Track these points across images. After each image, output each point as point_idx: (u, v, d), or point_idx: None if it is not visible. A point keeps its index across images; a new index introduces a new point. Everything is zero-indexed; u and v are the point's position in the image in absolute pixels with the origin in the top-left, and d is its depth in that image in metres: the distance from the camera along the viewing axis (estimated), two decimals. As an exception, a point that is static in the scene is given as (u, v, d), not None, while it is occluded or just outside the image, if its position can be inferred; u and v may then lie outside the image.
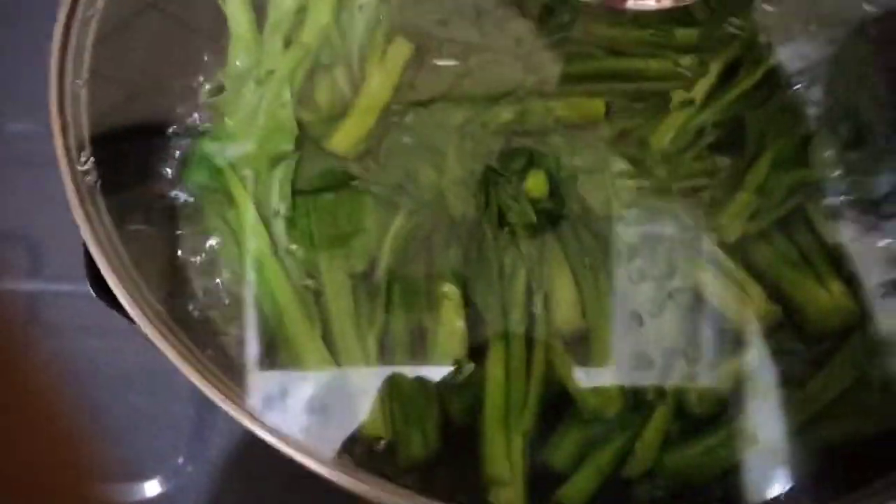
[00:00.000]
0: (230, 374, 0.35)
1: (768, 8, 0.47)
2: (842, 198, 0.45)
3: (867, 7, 0.47)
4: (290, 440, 0.33)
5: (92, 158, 0.37)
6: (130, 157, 0.44)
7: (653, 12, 0.48)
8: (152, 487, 0.51)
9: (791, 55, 0.47)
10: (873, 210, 0.45)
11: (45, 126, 0.39)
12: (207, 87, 0.46)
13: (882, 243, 0.44)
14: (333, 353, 0.39)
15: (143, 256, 0.41)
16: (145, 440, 0.52)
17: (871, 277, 0.42)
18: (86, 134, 0.38)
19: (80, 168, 0.36)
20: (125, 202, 0.42)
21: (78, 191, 0.36)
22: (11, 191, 0.60)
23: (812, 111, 0.47)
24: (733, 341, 0.40)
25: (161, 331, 0.34)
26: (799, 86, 0.47)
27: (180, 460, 0.52)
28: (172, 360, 0.33)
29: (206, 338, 0.39)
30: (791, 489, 0.37)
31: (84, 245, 0.36)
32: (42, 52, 0.41)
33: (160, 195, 0.43)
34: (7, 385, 0.52)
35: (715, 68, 0.47)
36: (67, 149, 0.36)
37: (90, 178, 0.37)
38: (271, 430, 0.33)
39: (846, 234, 0.44)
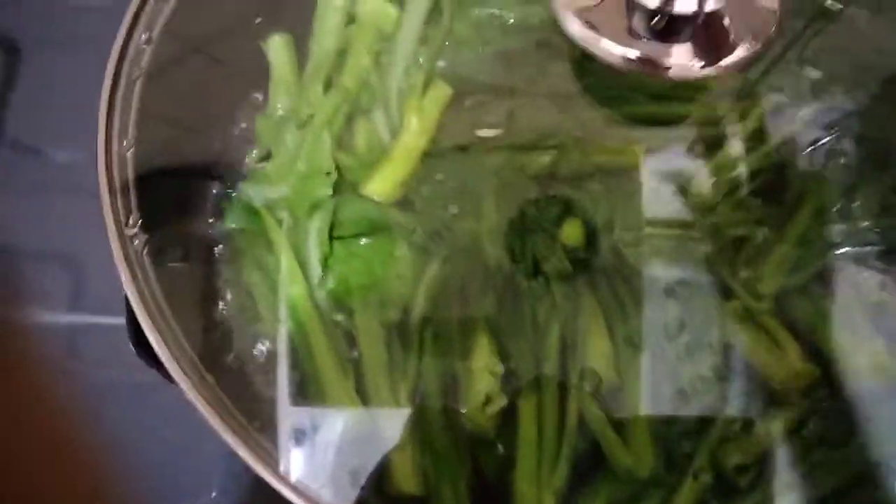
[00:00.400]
0: (263, 430, 0.35)
1: (812, 73, 0.46)
2: (883, 249, 0.44)
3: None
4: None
5: (140, 222, 0.38)
6: (175, 203, 0.44)
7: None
8: (185, 521, 0.52)
9: (829, 106, 0.46)
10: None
11: (91, 154, 0.40)
12: (255, 153, 0.46)
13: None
14: (366, 403, 0.39)
15: (183, 300, 0.42)
16: (178, 474, 0.53)
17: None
18: (134, 196, 0.39)
19: (128, 232, 0.37)
20: (168, 247, 0.43)
21: (126, 255, 0.37)
22: (56, 219, 0.61)
23: (852, 160, 0.46)
24: (770, 400, 0.39)
25: (200, 391, 0.34)
26: (838, 135, 0.46)
27: (213, 495, 0.52)
28: (210, 422, 0.33)
29: (241, 387, 0.39)
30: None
31: (127, 304, 0.36)
32: (88, 80, 0.42)
33: (202, 239, 0.44)
34: (44, 417, 0.53)
35: (756, 115, 0.47)
36: (116, 213, 0.37)
37: (138, 243, 0.37)
38: (299, 492, 0.33)
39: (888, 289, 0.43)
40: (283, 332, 0.41)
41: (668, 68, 0.38)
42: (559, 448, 0.38)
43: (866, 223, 0.44)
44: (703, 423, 0.39)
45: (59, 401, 0.54)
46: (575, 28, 0.39)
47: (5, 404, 0.54)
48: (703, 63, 0.38)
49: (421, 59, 0.48)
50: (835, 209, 0.45)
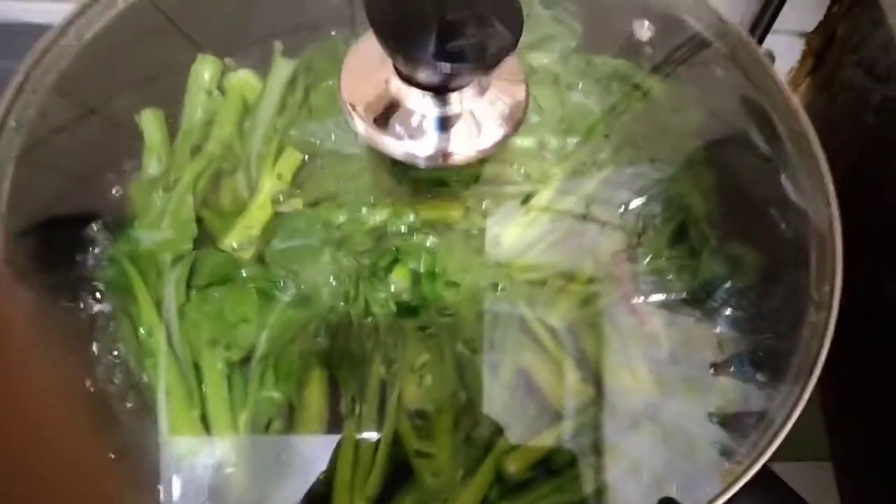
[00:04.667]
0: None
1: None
2: (665, 291, 0.53)
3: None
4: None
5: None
6: (53, 256, 0.51)
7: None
8: None
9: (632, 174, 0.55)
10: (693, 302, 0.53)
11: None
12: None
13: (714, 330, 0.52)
14: (208, 431, 0.46)
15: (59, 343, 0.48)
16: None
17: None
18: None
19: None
20: (46, 298, 0.49)
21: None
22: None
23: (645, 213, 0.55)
24: (552, 416, 0.48)
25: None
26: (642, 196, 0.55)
27: None
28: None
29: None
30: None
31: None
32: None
33: (74, 294, 0.50)
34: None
35: (561, 171, 0.56)
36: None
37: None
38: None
39: (668, 322, 0.52)
40: (143, 373, 0.48)
41: (451, 155, 0.46)
42: (373, 462, 0.46)
43: (647, 267, 0.53)
44: (494, 436, 0.47)
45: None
46: (361, 127, 0.47)
47: None
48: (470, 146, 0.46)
49: (277, 126, 0.56)
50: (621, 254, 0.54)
